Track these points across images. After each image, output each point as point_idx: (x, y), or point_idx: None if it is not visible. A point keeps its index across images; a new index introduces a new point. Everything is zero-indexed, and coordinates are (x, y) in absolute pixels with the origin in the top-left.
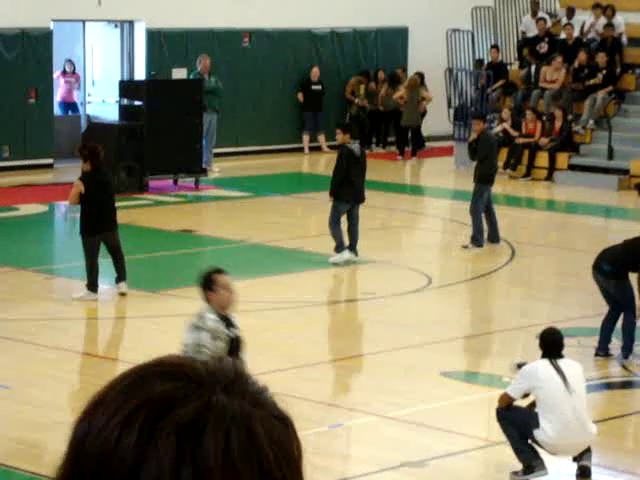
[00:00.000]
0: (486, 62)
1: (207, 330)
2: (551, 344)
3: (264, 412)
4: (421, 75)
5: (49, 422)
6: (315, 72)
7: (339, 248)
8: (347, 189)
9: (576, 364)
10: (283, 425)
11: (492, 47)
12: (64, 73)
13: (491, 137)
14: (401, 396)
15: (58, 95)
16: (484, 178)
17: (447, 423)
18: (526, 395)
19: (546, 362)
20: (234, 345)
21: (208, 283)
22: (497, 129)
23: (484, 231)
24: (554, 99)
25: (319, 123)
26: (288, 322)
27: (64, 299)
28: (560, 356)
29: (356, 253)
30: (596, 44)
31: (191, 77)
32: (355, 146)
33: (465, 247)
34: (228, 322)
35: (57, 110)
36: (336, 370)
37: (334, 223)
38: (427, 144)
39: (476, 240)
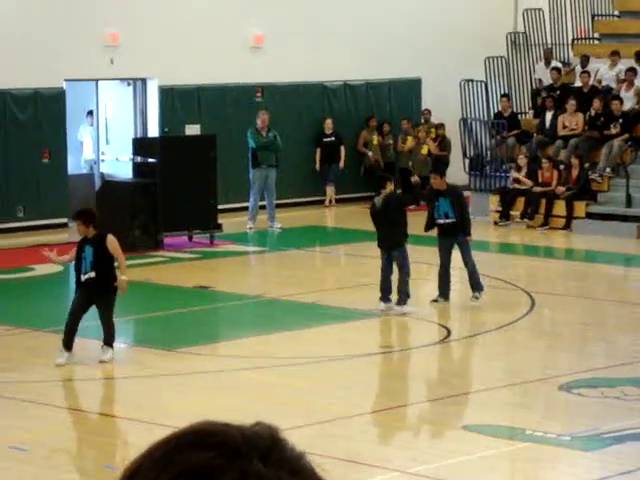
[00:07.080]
0: (496, 111)
1: None
2: None
3: None
4: (437, 126)
5: None
6: (328, 124)
7: (382, 298)
8: (378, 237)
9: None
10: None
11: (502, 96)
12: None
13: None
14: (423, 451)
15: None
16: None
17: (470, 477)
18: None
19: None
20: None
21: None
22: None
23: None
24: (575, 148)
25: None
26: (306, 377)
27: (83, 360)
28: None
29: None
30: (612, 92)
31: (248, 133)
32: (377, 199)
33: (475, 298)
34: None
35: (71, 169)
36: (356, 426)
37: (381, 270)
38: None
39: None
